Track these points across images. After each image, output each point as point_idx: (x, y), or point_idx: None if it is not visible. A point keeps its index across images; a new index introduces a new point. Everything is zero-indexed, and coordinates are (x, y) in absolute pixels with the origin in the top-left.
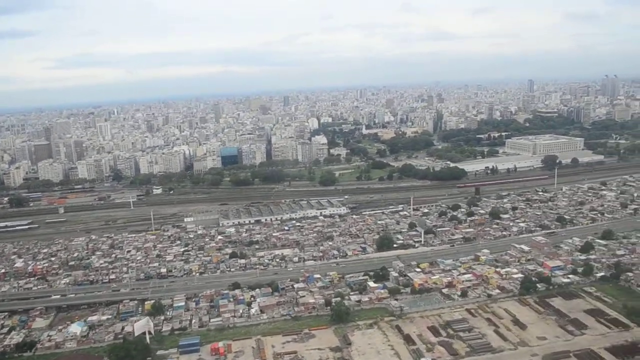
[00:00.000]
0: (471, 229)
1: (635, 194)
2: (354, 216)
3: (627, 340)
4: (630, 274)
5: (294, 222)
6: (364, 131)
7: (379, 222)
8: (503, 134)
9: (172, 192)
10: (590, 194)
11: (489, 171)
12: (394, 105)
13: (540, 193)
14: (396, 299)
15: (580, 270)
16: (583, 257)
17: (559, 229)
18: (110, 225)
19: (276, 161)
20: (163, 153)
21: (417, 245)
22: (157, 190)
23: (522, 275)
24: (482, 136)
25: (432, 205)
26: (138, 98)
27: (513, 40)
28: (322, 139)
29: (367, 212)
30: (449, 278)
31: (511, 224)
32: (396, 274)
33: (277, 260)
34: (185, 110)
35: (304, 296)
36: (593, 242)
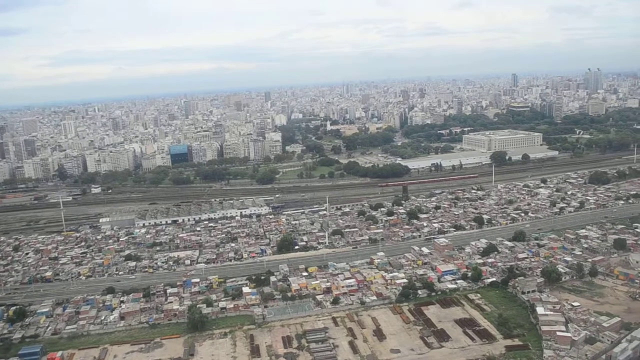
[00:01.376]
0: (381, 230)
1: (570, 192)
2: (270, 216)
3: (484, 355)
4: (519, 279)
5: (206, 222)
6: (329, 127)
7: (293, 222)
8: (466, 129)
9: (110, 191)
10: (524, 192)
11: (433, 168)
12: (369, 101)
13: (474, 191)
14: (266, 306)
15: (470, 275)
16: (480, 260)
17: (474, 230)
18: (31, 226)
19: (227, 159)
20: (111, 151)
21: (319, 247)
22: (96, 190)
23: (406, 281)
24: (443, 132)
25: (356, 204)
26: (131, 95)
27: (505, 35)
28: (276, 136)
29: (288, 212)
30: (329, 283)
31: (425, 224)
32: (275, 279)
33: (171, 262)
34: (161, 107)
35: (170, 302)
36: (500, 244)
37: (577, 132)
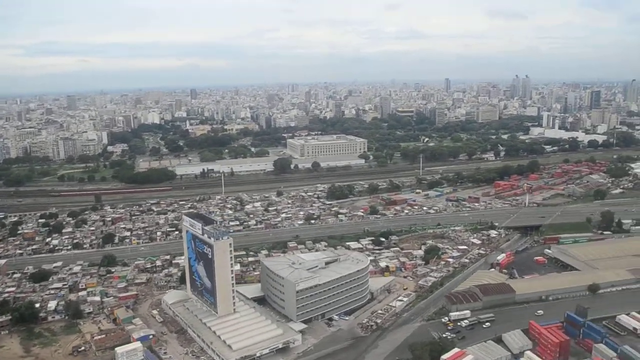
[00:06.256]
0: None
1: (274, 208)
2: None
3: None
4: None
5: None
6: (188, 127)
7: None
8: (312, 133)
9: None
10: (229, 206)
11: (197, 174)
12: (274, 102)
13: (182, 202)
14: None
15: None
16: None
17: (92, 249)
18: None
19: (30, 157)
20: None
21: None
22: None
23: None
24: (285, 135)
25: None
26: (98, 89)
27: (479, 42)
28: (91, 135)
29: None
30: None
31: (49, 241)
32: None
33: None
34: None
35: None
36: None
37: (422, 139)
